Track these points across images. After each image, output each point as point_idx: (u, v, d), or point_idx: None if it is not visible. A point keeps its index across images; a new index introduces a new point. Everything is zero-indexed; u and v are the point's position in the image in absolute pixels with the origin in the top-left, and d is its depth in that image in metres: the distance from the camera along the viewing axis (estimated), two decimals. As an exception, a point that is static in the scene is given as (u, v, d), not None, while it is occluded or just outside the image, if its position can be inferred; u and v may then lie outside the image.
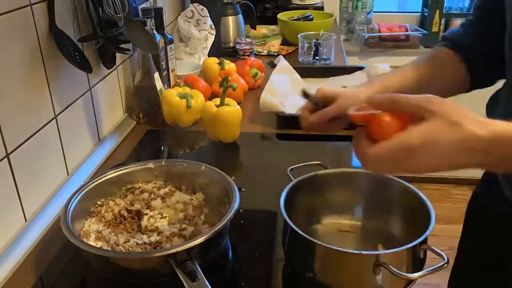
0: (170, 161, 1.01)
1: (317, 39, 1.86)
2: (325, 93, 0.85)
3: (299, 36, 1.88)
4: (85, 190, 0.90)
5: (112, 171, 0.95)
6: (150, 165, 0.97)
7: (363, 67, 1.68)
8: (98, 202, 0.92)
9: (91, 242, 0.83)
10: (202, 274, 0.71)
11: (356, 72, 1.65)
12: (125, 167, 0.97)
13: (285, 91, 1.43)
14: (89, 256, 0.80)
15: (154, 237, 0.83)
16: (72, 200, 0.87)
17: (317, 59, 1.83)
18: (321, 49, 1.84)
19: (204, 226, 0.87)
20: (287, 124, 1.35)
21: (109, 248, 0.82)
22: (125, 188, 0.96)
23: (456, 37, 0.95)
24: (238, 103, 1.51)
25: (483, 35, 0.91)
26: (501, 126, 0.58)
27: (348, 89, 0.91)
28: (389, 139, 0.60)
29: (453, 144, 0.58)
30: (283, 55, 1.99)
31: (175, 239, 0.83)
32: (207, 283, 0.70)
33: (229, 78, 1.48)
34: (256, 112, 1.40)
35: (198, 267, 0.72)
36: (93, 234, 0.85)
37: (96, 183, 0.92)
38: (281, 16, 2.16)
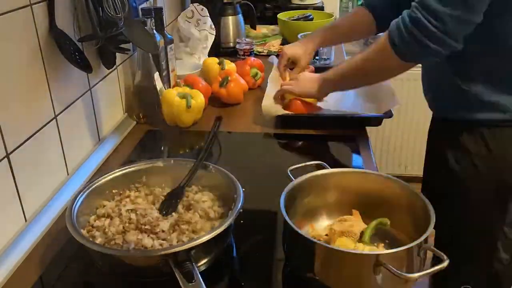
0: (179, 160, 1.01)
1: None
2: (289, 55, 1.49)
3: (299, 36, 1.87)
4: (91, 188, 0.91)
5: (119, 169, 0.96)
6: (159, 163, 0.98)
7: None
8: (104, 201, 0.93)
9: (97, 240, 0.83)
10: (199, 276, 0.71)
11: None
12: (132, 165, 0.97)
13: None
14: (92, 254, 0.80)
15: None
16: (78, 198, 0.87)
17: (317, 59, 1.83)
18: (321, 49, 1.83)
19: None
20: (287, 124, 1.36)
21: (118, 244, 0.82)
22: (133, 186, 0.96)
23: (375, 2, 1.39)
24: (238, 103, 1.52)
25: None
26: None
27: (295, 46, 1.51)
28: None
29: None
30: (283, 55, 1.99)
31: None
32: (203, 285, 0.70)
33: (229, 78, 1.48)
34: (256, 112, 1.41)
35: (196, 268, 0.72)
36: (99, 231, 0.85)
37: (102, 181, 0.93)
38: (281, 16, 2.16)
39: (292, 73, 1.49)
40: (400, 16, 1.02)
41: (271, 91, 1.43)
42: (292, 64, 1.50)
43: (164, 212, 0.89)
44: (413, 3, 0.99)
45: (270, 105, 1.36)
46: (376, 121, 1.35)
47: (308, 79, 1.35)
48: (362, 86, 1.35)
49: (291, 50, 1.48)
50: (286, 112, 1.34)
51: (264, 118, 1.37)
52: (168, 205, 0.91)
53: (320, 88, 1.29)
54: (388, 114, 1.31)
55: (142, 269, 0.78)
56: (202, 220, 0.88)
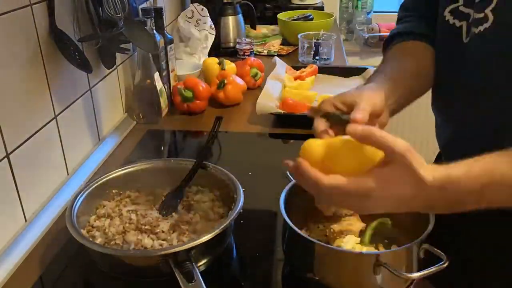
0: (179, 160, 1.01)
1: (317, 39, 1.86)
2: (344, 101, 0.75)
3: (299, 36, 1.87)
4: (91, 188, 0.91)
5: (119, 169, 0.96)
6: (159, 163, 0.98)
7: (364, 68, 1.68)
8: (104, 201, 0.93)
9: (97, 240, 0.83)
10: (200, 276, 0.71)
11: (351, 77, 1.66)
12: (132, 165, 0.98)
13: (279, 96, 1.45)
14: (92, 254, 0.80)
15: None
16: (78, 198, 0.87)
17: (317, 59, 1.83)
18: (321, 49, 1.84)
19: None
20: (283, 123, 1.36)
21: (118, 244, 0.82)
22: (133, 186, 0.96)
23: (412, 28, 0.92)
24: (237, 104, 1.52)
25: (428, 18, 0.89)
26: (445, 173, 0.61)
27: (356, 91, 0.79)
28: (350, 176, 0.61)
29: (407, 196, 0.61)
30: (283, 55, 1.99)
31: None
32: (203, 285, 0.70)
33: (225, 81, 1.48)
34: (255, 112, 1.40)
35: (196, 268, 0.72)
36: (99, 231, 0.85)
37: (102, 181, 0.93)
38: (281, 16, 2.16)
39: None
40: None
41: (269, 89, 1.43)
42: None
43: (164, 213, 0.89)
44: None
45: (264, 103, 1.36)
46: None
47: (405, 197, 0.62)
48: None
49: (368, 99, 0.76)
50: (279, 110, 1.34)
51: (263, 118, 1.37)
52: (168, 205, 0.91)
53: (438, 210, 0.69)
54: None
55: (142, 269, 0.79)
56: (202, 220, 0.88)
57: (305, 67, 1.68)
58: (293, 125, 1.34)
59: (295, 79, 1.59)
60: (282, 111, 1.34)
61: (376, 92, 0.77)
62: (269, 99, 1.39)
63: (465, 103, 0.81)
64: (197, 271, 0.72)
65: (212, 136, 1.01)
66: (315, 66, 1.65)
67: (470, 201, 0.63)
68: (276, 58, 1.72)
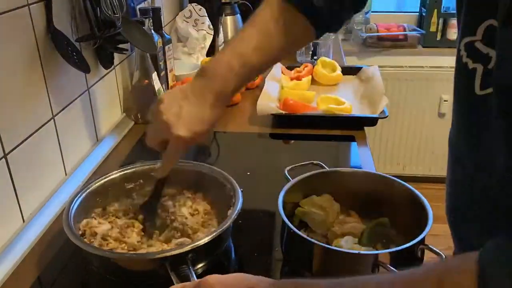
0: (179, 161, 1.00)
1: (315, 39, 1.86)
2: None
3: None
4: (89, 190, 0.90)
5: (117, 171, 0.96)
6: (158, 164, 0.97)
7: (360, 67, 1.69)
8: (102, 203, 0.92)
9: (97, 241, 0.83)
10: (196, 279, 0.70)
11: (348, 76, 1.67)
12: (130, 167, 0.97)
13: (275, 96, 1.46)
14: (89, 256, 0.80)
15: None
16: (75, 200, 0.87)
17: (315, 59, 1.83)
18: (319, 49, 1.84)
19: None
20: (282, 123, 1.36)
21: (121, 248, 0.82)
22: (131, 187, 0.96)
23: None
24: (236, 103, 1.52)
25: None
26: None
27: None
28: None
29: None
30: (281, 55, 1.99)
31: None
32: None
33: None
34: (254, 112, 1.40)
35: (193, 271, 0.71)
36: (100, 233, 0.85)
37: (100, 182, 0.93)
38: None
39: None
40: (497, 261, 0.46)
41: (268, 90, 1.43)
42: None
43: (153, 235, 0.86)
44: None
45: (265, 104, 1.36)
46: (371, 121, 1.34)
47: None
48: None
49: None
50: (281, 111, 1.34)
51: (262, 118, 1.37)
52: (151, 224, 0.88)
53: None
54: (383, 115, 1.31)
55: (138, 272, 0.78)
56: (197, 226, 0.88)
57: (299, 66, 1.68)
58: (293, 125, 1.34)
59: (292, 79, 1.59)
60: (283, 112, 1.34)
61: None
62: (269, 100, 1.39)
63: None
64: (194, 275, 0.71)
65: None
66: (310, 66, 1.65)
67: None
68: None
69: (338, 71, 1.64)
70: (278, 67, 1.63)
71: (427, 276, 0.50)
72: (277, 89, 1.50)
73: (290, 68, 1.68)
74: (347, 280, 0.60)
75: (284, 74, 1.62)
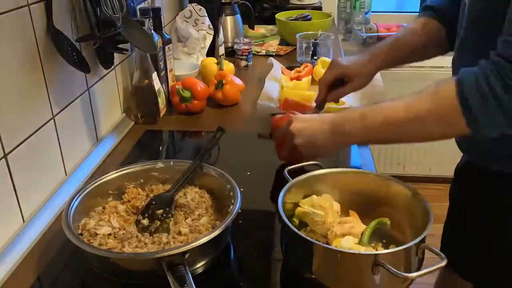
0: (177, 161, 1.00)
1: (315, 39, 1.86)
2: (343, 71, 1.15)
3: (297, 36, 1.88)
4: (88, 190, 0.91)
5: (117, 171, 0.96)
6: (160, 164, 0.97)
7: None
8: (101, 203, 0.92)
9: (98, 240, 0.83)
10: (192, 280, 0.70)
11: None
12: (130, 167, 0.97)
13: (275, 96, 1.45)
14: (87, 256, 0.80)
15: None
16: (74, 200, 0.87)
17: (315, 59, 1.83)
18: (319, 49, 1.84)
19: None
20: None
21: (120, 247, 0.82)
22: (131, 187, 0.96)
23: (441, 8, 1.11)
24: (236, 104, 1.52)
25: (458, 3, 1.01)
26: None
27: (354, 61, 1.18)
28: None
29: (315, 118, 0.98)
30: (281, 55, 1.99)
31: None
32: None
33: (224, 81, 1.48)
34: (254, 112, 1.41)
35: (189, 272, 0.72)
36: (100, 233, 0.85)
37: (99, 182, 0.93)
38: (279, 16, 2.16)
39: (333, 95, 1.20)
40: (478, 72, 0.77)
41: (267, 89, 1.43)
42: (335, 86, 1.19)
43: (152, 230, 0.87)
44: (495, 58, 0.76)
45: (265, 103, 1.36)
46: None
47: (308, 132, 0.94)
48: (396, 143, 1.22)
49: (348, 64, 1.17)
50: (281, 111, 1.34)
51: (262, 118, 1.37)
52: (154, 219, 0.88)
53: (333, 144, 0.94)
54: None
55: (136, 272, 0.78)
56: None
57: (299, 66, 1.68)
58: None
59: (292, 79, 1.59)
60: (284, 112, 1.34)
61: (361, 63, 1.16)
62: (269, 100, 1.39)
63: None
64: (190, 275, 0.71)
65: (212, 145, 0.99)
66: (310, 65, 1.65)
67: (355, 122, 0.88)
68: (272, 58, 1.72)
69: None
70: (278, 67, 1.63)
71: (427, 88, 0.84)
72: (277, 89, 1.50)
73: (290, 68, 1.68)
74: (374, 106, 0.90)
75: (284, 74, 1.62)
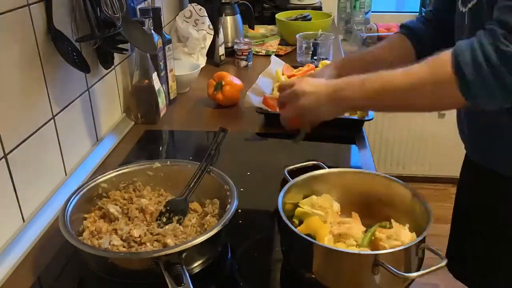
0: (175, 161, 1.00)
1: (315, 39, 1.86)
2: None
3: (297, 36, 1.88)
4: (85, 190, 0.90)
5: (113, 171, 0.95)
6: (157, 164, 0.97)
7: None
8: (100, 203, 0.92)
9: (102, 240, 0.83)
10: (189, 279, 0.70)
11: None
12: (129, 166, 0.97)
13: (268, 92, 1.45)
14: (85, 256, 0.80)
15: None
16: (71, 200, 0.87)
17: (315, 59, 1.83)
18: (319, 49, 1.84)
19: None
20: (271, 123, 1.36)
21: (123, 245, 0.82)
22: (129, 187, 0.96)
23: (416, 29, 1.16)
24: (235, 104, 1.52)
25: (438, 29, 1.11)
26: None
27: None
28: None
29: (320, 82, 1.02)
30: (281, 55, 1.99)
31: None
32: None
33: (223, 82, 1.48)
34: (253, 112, 1.40)
35: (186, 271, 0.71)
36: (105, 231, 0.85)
37: (95, 183, 0.93)
38: (280, 16, 2.16)
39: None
40: (474, 41, 0.78)
41: (259, 84, 1.44)
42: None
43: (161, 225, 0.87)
44: (489, 26, 0.78)
45: (253, 97, 1.36)
46: (355, 124, 1.32)
47: (313, 94, 0.98)
48: (395, 111, 1.25)
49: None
50: (265, 107, 1.34)
51: (261, 118, 1.37)
52: (168, 218, 0.89)
53: (334, 107, 0.98)
54: (370, 117, 1.30)
55: (135, 271, 0.78)
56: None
57: (302, 66, 1.67)
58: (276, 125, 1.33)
59: (289, 77, 1.59)
60: (267, 108, 1.34)
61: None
62: (258, 94, 1.39)
63: None
64: (187, 274, 0.71)
65: (216, 147, 0.99)
66: (312, 66, 1.65)
67: (354, 86, 0.92)
68: (273, 56, 1.72)
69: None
70: (276, 65, 1.62)
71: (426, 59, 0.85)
72: (271, 85, 1.50)
73: (294, 67, 1.68)
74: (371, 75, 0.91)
75: (284, 72, 1.61)
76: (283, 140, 1.34)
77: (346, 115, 1.30)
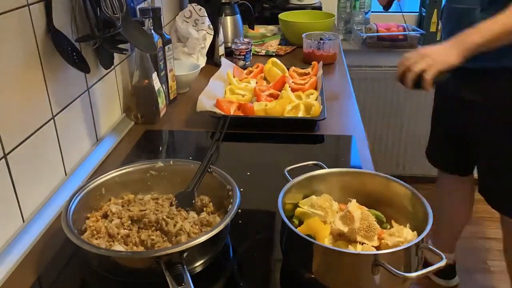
0: (177, 160, 1.00)
1: (321, 39, 1.88)
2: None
3: (303, 36, 1.90)
4: (88, 188, 0.91)
5: (115, 170, 0.96)
6: (157, 164, 0.98)
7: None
8: (101, 203, 0.93)
9: (103, 240, 0.83)
10: (190, 279, 0.70)
11: None
12: (129, 166, 0.97)
13: (220, 95, 1.47)
14: (86, 255, 0.80)
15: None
16: (74, 199, 0.87)
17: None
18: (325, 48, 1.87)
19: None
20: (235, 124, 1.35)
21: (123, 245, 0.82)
22: (129, 187, 0.96)
23: None
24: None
25: None
26: None
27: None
28: None
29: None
30: (281, 55, 1.99)
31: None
32: None
33: None
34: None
35: (187, 271, 0.72)
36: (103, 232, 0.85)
37: (98, 182, 0.93)
38: (282, 16, 2.16)
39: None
40: None
41: (211, 88, 1.45)
42: None
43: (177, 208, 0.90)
44: None
45: (205, 101, 1.36)
46: (307, 124, 1.34)
47: (438, 49, 1.30)
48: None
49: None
50: (218, 110, 1.34)
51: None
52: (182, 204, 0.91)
53: (461, 53, 1.26)
54: (322, 117, 1.31)
55: (137, 270, 0.78)
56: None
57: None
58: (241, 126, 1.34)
59: (241, 80, 1.60)
60: (220, 110, 1.34)
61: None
62: (210, 98, 1.40)
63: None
64: (188, 274, 0.71)
65: (219, 137, 1.00)
66: (261, 65, 1.66)
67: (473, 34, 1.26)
68: (224, 59, 1.72)
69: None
70: (227, 67, 1.64)
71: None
72: (222, 89, 1.51)
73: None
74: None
75: (235, 75, 1.63)
76: (283, 141, 1.34)
77: (300, 115, 1.35)
